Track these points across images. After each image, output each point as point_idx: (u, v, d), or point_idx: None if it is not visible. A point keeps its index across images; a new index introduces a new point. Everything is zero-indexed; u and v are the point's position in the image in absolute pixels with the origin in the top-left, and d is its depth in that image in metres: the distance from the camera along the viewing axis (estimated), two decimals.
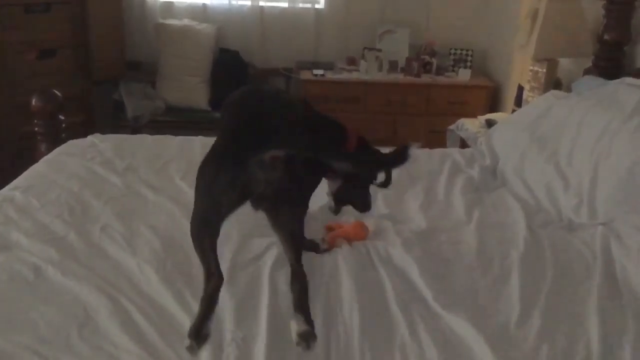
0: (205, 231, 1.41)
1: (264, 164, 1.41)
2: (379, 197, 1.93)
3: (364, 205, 1.69)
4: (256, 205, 1.50)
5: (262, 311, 1.34)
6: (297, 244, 1.53)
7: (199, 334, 1.24)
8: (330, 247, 1.66)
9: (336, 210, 1.72)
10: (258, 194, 1.45)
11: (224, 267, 1.43)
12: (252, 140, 1.39)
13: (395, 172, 2.19)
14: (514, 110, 3.16)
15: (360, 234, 1.71)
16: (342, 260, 1.57)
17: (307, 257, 1.62)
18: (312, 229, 1.72)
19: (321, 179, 1.69)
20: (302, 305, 1.33)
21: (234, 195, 1.42)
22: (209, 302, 1.31)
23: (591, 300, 1.42)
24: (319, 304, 1.39)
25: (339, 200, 1.71)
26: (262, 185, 1.43)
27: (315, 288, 1.46)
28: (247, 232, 1.65)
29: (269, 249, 1.58)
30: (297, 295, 1.37)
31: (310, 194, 1.66)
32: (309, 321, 1.29)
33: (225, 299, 1.36)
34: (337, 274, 1.51)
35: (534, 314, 1.37)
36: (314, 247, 1.65)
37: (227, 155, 1.44)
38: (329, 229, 1.77)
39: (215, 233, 1.41)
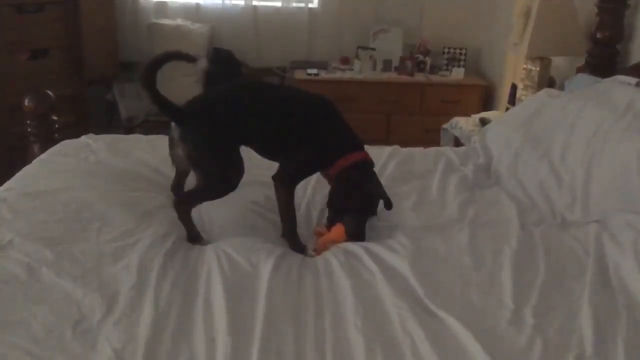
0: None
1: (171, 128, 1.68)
2: None
3: (348, 231, 1.69)
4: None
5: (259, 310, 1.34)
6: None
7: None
8: (319, 252, 1.66)
9: (329, 218, 1.78)
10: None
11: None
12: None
13: (390, 170, 2.21)
14: (507, 109, 3.17)
15: (341, 235, 1.69)
16: (333, 257, 1.58)
17: (299, 255, 1.65)
18: (302, 237, 1.75)
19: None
20: None
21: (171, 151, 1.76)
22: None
23: (584, 296, 1.43)
24: (311, 300, 1.40)
25: (330, 203, 1.78)
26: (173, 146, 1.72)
27: (308, 283, 1.47)
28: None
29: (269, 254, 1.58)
30: None
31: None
32: None
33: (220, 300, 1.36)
34: (330, 270, 1.53)
35: (527, 311, 1.37)
36: (302, 249, 1.67)
37: None
38: (318, 234, 1.77)
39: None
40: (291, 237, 1.72)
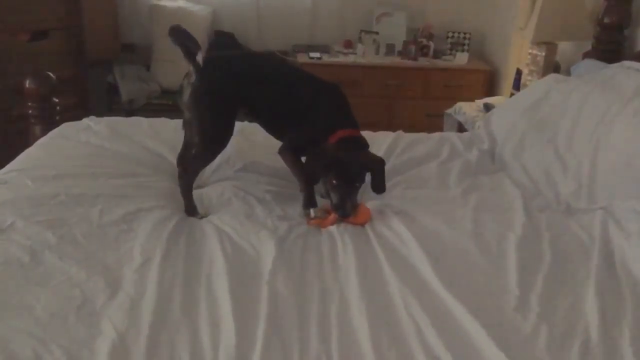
0: None
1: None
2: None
3: (335, 203, 1.69)
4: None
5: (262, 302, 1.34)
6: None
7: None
8: (323, 224, 1.69)
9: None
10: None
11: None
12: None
13: (394, 156, 2.20)
14: (512, 94, 3.15)
15: (361, 217, 1.70)
16: (340, 240, 1.59)
17: (304, 235, 1.64)
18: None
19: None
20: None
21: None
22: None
23: (589, 283, 1.42)
24: (316, 283, 1.40)
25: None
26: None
27: (312, 267, 1.47)
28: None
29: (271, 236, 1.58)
30: None
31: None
32: None
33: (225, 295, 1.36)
34: (334, 254, 1.53)
35: (532, 298, 1.36)
36: (308, 206, 1.75)
37: None
38: (327, 212, 1.77)
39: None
40: (304, 192, 1.80)
